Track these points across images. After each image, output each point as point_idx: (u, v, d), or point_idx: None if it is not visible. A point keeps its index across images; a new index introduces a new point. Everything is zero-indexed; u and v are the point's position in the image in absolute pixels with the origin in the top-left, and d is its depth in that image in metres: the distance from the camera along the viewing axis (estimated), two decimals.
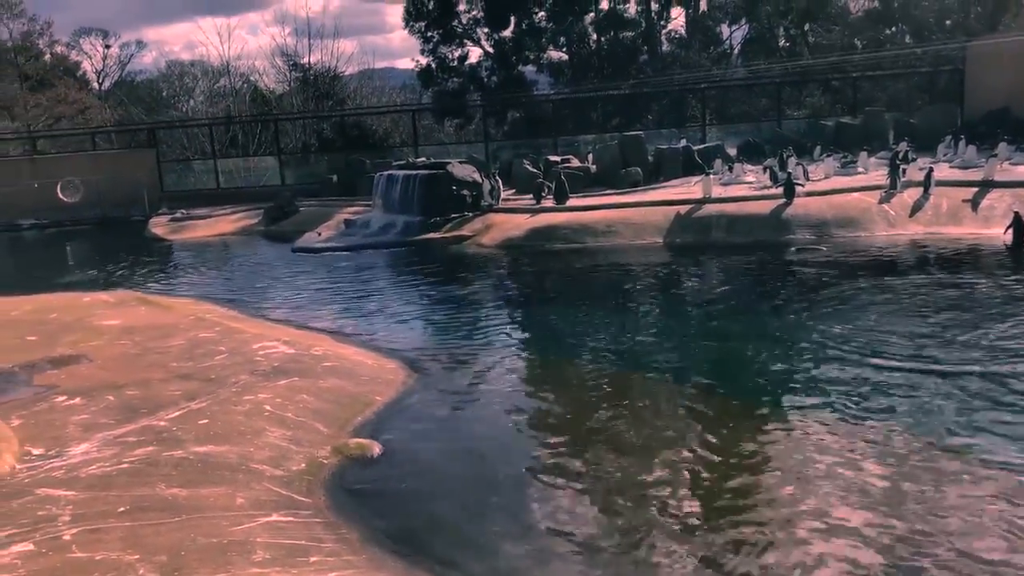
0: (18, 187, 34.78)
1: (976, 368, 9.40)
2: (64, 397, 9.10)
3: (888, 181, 20.50)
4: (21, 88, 49.74)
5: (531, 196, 24.39)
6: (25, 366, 10.47)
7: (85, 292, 17.43)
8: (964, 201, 19.27)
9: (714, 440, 8.06)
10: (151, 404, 8.77)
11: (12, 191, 34.68)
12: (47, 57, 56.53)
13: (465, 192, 23.76)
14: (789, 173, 21.40)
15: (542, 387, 10.44)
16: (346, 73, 52.61)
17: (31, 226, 34.32)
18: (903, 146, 23.94)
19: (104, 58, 63.26)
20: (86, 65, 62.57)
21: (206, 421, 8.28)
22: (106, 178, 35.27)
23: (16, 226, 34.16)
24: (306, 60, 51.11)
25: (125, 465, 7.10)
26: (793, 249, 18.10)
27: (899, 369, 9.57)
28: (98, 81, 63.08)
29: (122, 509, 6.25)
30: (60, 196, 35.24)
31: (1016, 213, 16.69)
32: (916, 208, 19.44)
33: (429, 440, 8.59)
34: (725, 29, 46.17)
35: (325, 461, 7.82)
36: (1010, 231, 16.50)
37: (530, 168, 26.94)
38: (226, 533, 5.99)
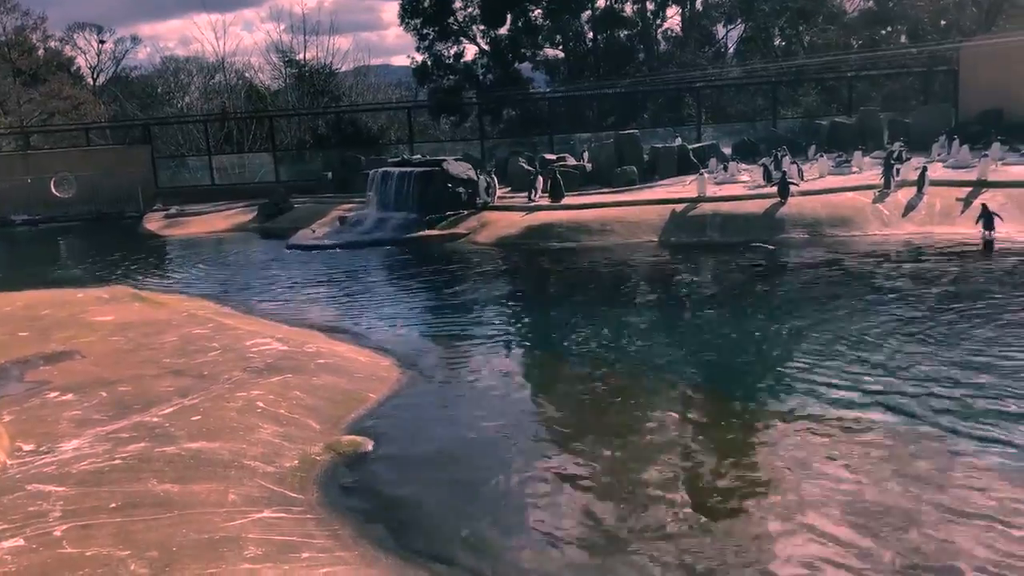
0: (11, 183, 34.71)
1: (963, 365, 9.43)
2: (56, 393, 9.08)
3: (882, 180, 20.54)
4: (14, 83, 49.59)
5: (526, 194, 24.41)
6: (17, 362, 10.45)
7: (78, 288, 17.38)
8: (957, 200, 19.32)
9: (708, 440, 8.08)
10: (144, 400, 8.76)
11: (5, 187, 34.62)
12: (41, 52, 56.40)
13: (460, 190, 23.75)
14: (784, 172, 21.43)
15: (536, 385, 10.44)
16: (341, 70, 52.70)
17: (24, 222, 34.26)
18: (897, 146, 24.02)
19: (99, 53, 63.22)
20: (80, 60, 62.53)
21: (199, 417, 8.27)
22: (100, 174, 35.22)
23: (9, 222, 34.10)
24: (301, 57, 51.16)
25: (117, 461, 7.09)
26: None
27: (886, 369, 9.60)
28: (92, 77, 62.98)
29: (114, 505, 6.24)
30: (54, 192, 35.17)
31: (983, 205, 17.15)
32: (910, 207, 19.49)
33: (422, 437, 8.58)
34: (721, 29, 46.32)
35: (318, 458, 7.81)
36: (980, 224, 16.97)
37: (526, 166, 26.94)
38: (218, 529, 5.99)
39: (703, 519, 6.48)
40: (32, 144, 41.23)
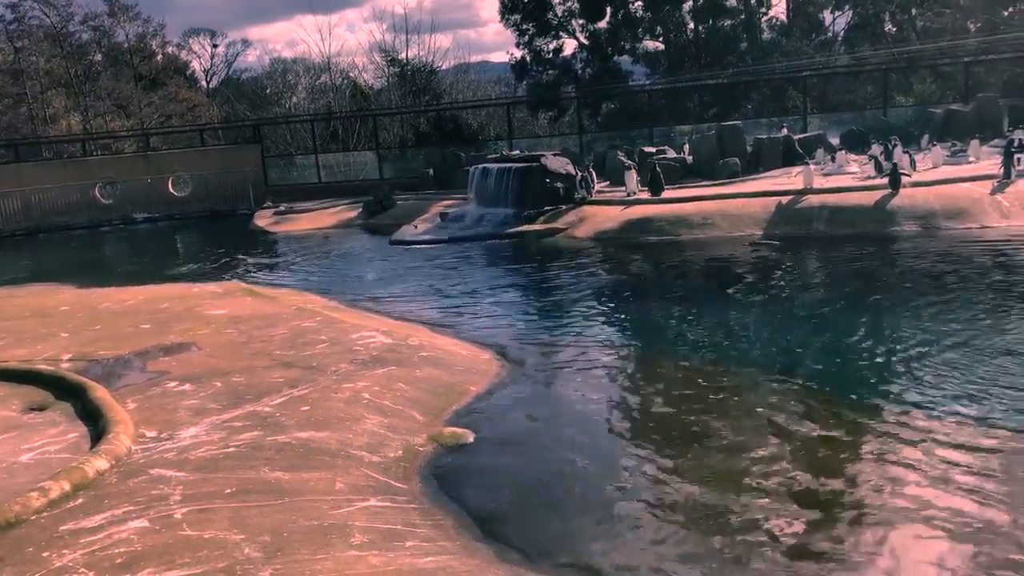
0: (133, 183, 36.49)
1: None
2: (175, 383, 9.53)
3: (1002, 170, 19.56)
4: (136, 88, 52.05)
5: (623, 188, 24.25)
6: (139, 353, 11.01)
7: (194, 283, 18.16)
8: None
9: (817, 439, 7.88)
10: (256, 390, 9.11)
11: (127, 187, 36.43)
12: (159, 58, 58.98)
13: (559, 185, 23.78)
14: (895, 163, 20.64)
15: (635, 381, 10.38)
16: (442, 68, 53.35)
17: (144, 219, 35.98)
18: (1018, 133, 22.80)
19: (212, 57, 65.81)
20: (195, 64, 65.18)
21: (308, 408, 8.55)
22: (214, 173, 36.70)
23: (131, 219, 35.89)
24: (403, 55, 51.98)
25: (231, 449, 7.40)
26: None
27: (1007, 375, 9.16)
28: (206, 79, 65.60)
29: (229, 490, 6.52)
30: (171, 191, 36.82)
31: None
32: None
33: (522, 431, 8.65)
34: (828, 16, 44.83)
35: (421, 448, 7.98)
36: None
37: (624, 160, 26.75)
38: (326, 516, 6.19)
39: (812, 523, 6.34)
40: (151, 145, 43.25)
